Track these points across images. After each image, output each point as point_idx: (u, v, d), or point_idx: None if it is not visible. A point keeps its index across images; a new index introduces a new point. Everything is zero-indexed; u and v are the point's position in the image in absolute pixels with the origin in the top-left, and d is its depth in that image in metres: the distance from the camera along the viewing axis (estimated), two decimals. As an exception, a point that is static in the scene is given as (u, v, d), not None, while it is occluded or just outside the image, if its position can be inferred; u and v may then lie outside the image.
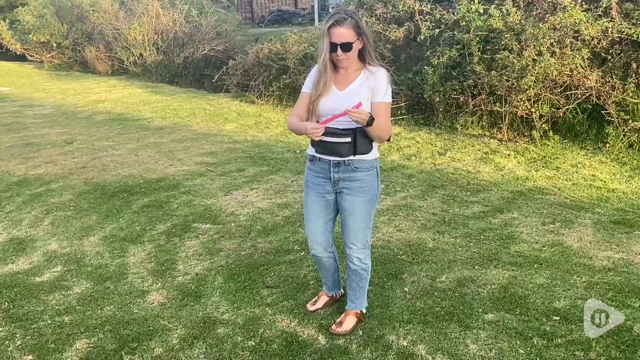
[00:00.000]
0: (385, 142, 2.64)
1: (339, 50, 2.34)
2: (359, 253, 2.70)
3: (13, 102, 10.82)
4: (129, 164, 6.09)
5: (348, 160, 2.49)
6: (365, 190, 2.57)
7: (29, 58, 17.22)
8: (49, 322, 3.00)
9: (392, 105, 2.57)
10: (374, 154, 2.54)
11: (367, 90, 2.43)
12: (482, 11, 6.81)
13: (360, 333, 2.79)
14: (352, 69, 2.48)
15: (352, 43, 2.33)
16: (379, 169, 2.64)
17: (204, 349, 2.72)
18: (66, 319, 3.03)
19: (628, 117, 5.83)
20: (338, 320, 2.86)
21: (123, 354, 2.69)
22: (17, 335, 2.88)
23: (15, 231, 4.29)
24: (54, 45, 16.08)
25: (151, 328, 2.91)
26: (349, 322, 2.82)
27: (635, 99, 5.79)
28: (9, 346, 2.79)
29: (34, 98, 11.33)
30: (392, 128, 2.48)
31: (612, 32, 5.95)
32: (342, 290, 3.07)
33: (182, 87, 12.40)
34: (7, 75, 15.40)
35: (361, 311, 2.87)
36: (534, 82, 6.10)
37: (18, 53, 17.04)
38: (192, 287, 3.33)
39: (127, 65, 14.27)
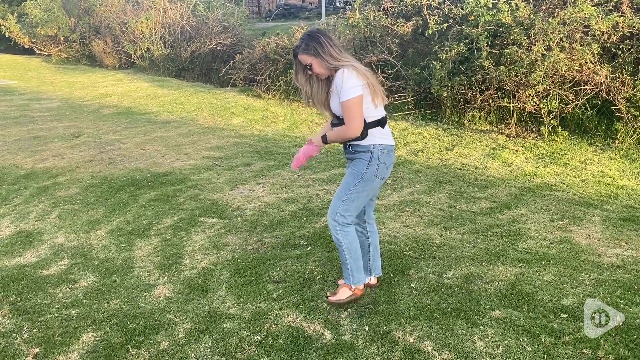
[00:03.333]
0: (359, 137, 2.76)
1: (308, 70, 2.79)
2: (330, 221, 2.88)
3: (21, 96, 10.86)
4: (136, 157, 6.10)
5: (348, 144, 2.83)
6: (355, 165, 2.82)
7: (37, 51, 17.30)
8: (56, 315, 3.01)
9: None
10: (369, 140, 2.75)
11: (333, 94, 2.72)
12: (490, 5, 6.76)
13: (367, 329, 2.78)
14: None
15: (311, 64, 2.73)
16: (381, 156, 2.77)
17: (210, 344, 2.72)
18: (73, 312, 3.03)
19: (638, 113, 5.78)
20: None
21: (129, 348, 2.69)
22: (24, 328, 2.89)
23: (22, 224, 4.31)
24: (62, 38, 16.13)
25: (157, 322, 2.91)
26: (341, 293, 3.00)
27: (645, 95, 5.74)
28: (16, 339, 2.80)
29: (42, 91, 11.38)
30: (358, 122, 2.66)
31: (622, 27, 5.89)
32: (370, 278, 3.17)
33: (189, 81, 12.41)
34: (15, 68, 15.46)
35: (352, 286, 2.99)
36: (543, 77, 6.05)
37: (26, 46, 17.13)
38: (198, 282, 3.33)
39: (134, 59, 14.29)
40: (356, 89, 2.61)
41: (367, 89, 2.65)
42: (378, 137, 2.75)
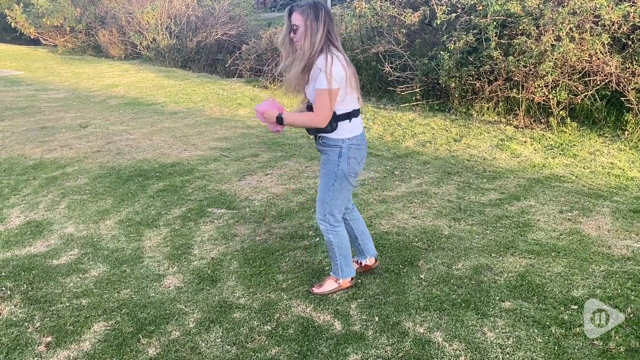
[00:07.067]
0: (329, 129, 2.67)
1: (292, 33, 2.60)
2: (320, 224, 2.90)
3: (28, 86, 10.88)
4: (143, 148, 6.10)
5: (318, 136, 2.75)
6: (326, 164, 2.78)
7: (43, 42, 17.30)
8: (67, 304, 3.03)
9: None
10: (339, 134, 2.68)
11: (312, 79, 2.59)
12: (499, -5, 6.70)
13: (377, 319, 2.79)
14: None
15: (297, 27, 2.56)
16: (350, 152, 2.71)
17: (220, 333, 2.73)
18: (84, 301, 3.05)
19: (648, 104, 5.74)
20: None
21: (140, 337, 2.71)
22: (36, 317, 2.91)
23: (32, 214, 4.33)
24: (67, 29, 16.12)
25: (168, 312, 2.93)
26: (327, 285, 3.06)
27: (656, 86, 5.68)
28: (29, 327, 2.82)
29: (48, 82, 11.39)
30: (327, 113, 2.58)
31: (633, 17, 5.82)
32: (366, 260, 3.19)
33: (195, 72, 12.38)
34: (21, 59, 15.47)
35: (338, 279, 3.03)
36: (552, 67, 6.01)
37: (32, 37, 17.14)
38: (207, 272, 3.34)
39: (140, 50, 14.26)
40: (335, 79, 2.52)
41: (344, 82, 2.57)
42: (347, 131, 2.69)
